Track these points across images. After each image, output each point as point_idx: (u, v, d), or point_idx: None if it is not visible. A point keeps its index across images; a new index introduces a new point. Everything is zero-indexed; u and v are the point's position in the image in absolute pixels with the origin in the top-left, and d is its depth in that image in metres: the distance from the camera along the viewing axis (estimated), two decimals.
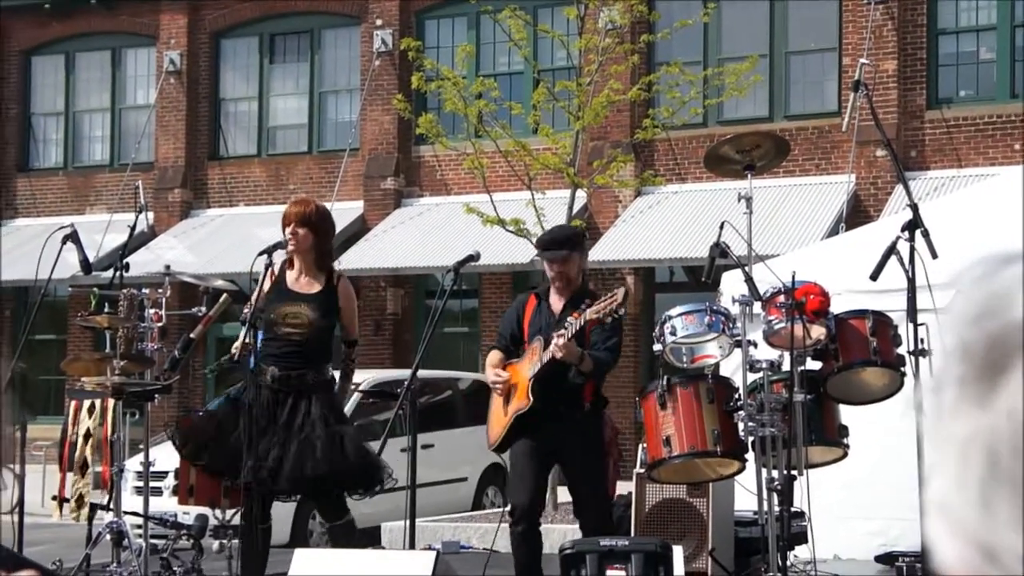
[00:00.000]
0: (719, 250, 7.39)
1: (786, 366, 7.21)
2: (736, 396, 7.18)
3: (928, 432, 1.11)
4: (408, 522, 7.19)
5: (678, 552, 7.20)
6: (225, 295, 8.67)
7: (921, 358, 7.09)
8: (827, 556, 8.52)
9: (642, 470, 7.67)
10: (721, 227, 7.44)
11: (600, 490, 7.59)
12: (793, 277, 7.10)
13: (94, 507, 8.60)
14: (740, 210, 7.94)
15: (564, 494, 9.26)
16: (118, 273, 8.43)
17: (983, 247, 1.19)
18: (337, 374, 7.81)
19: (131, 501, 9.23)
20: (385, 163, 22.42)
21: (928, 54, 19.56)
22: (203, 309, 8.48)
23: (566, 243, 7.48)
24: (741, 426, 7.16)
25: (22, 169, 25.61)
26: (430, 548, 9.81)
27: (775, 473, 7.06)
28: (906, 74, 19.54)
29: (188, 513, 9.18)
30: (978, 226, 8.72)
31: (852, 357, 7.34)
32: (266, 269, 7.54)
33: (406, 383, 7.22)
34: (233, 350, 7.50)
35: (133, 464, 9.82)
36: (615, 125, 19.96)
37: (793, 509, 7.23)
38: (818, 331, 7.18)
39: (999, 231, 7.97)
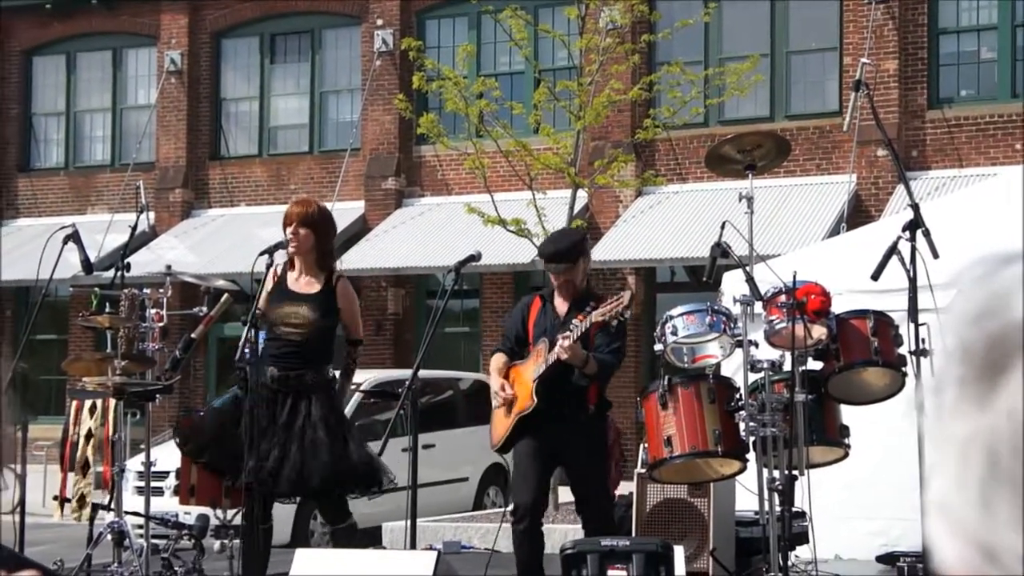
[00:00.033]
0: (720, 250, 7.39)
1: (787, 366, 7.20)
2: (737, 396, 7.18)
3: (929, 432, 1.11)
4: (409, 522, 7.19)
5: (679, 552, 7.20)
6: (226, 295, 8.67)
7: (922, 358, 7.08)
8: (828, 556, 8.52)
9: (643, 470, 7.67)
10: (722, 227, 7.44)
11: (603, 492, 7.60)
12: (794, 277, 7.10)
13: (95, 507, 8.60)
14: (741, 210, 7.94)
15: (565, 494, 9.26)
16: (119, 273, 8.43)
17: (984, 247, 1.19)
18: (339, 373, 7.81)
19: (132, 501, 9.24)
20: (386, 163, 22.42)
21: (929, 54, 19.56)
22: (204, 309, 8.49)
23: (570, 254, 7.44)
24: (742, 426, 7.16)
25: (23, 169, 25.62)
26: (431, 548, 9.81)
27: (776, 473, 7.05)
28: (907, 74, 19.54)
29: (189, 513, 9.18)
30: (979, 226, 8.72)
31: (853, 357, 7.34)
32: (268, 269, 7.54)
33: (407, 383, 7.21)
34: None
35: (134, 464, 9.83)
36: (616, 125, 19.96)
37: (794, 509, 7.22)
38: (819, 331, 7.18)
39: (1000, 231, 7.97)
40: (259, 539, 7.42)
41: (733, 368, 7.77)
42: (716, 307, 7.35)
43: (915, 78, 19.54)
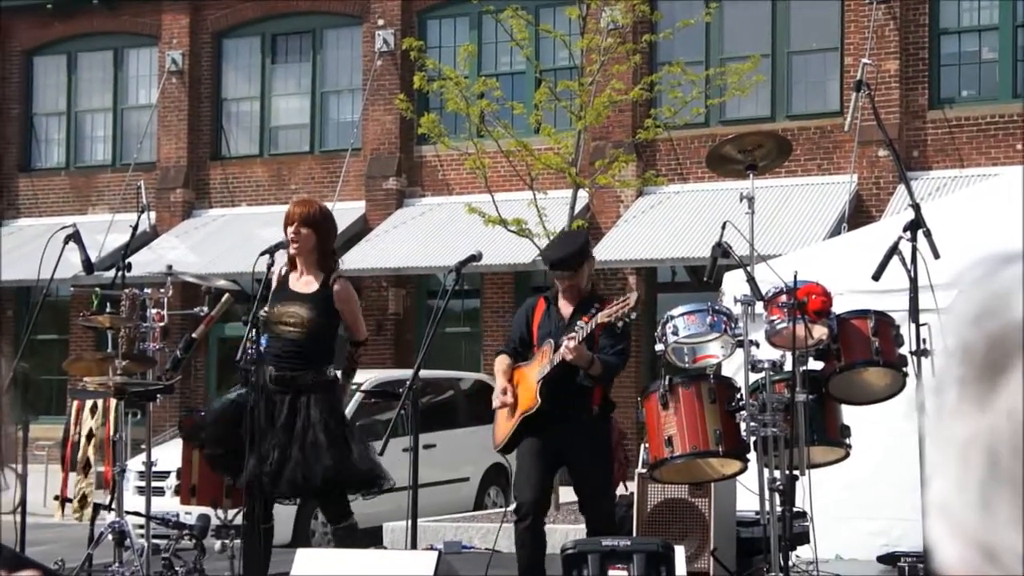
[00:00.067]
0: (721, 250, 7.39)
1: (788, 366, 7.20)
2: (738, 396, 7.18)
3: (929, 433, 1.11)
4: (410, 522, 7.20)
5: (680, 552, 7.20)
6: (227, 295, 8.67)
7: (923, 358, 7.09)
8: (829, 556, 8.52)
9: (644, 470, 7.67)
10: (723, 227, 7.44)
11: (606, 493, 7.60)
12: (795, 277, 7.10)
13: (96, 507, 8.60)
14: (742, 210, 7.94)
15: (566, 494, 9.26)
16: (120, 273, 8.44)
17: (985, 247, 1.19)
18: (340, 373, 7.81)
19: (133, 501, 9.25)
20: (387, 163, 22.42)
21: (930, 54, 19.55)
22: (205, 309, 8.49)
23: (573, 259, 7.43)
24: (743, 426, 7.16)
25: (24, 169, 25.62)
26: (432, 548, 9.81)
27: (777, 473, 7.06)
28: (908, 74, 19.54)
29: (190, 513, 9.19)
30: (980, 226, 8.72)
31: (854, 357, 7.34)
32: (269, 269, 7.53)
33: (408, 383, 7.21)
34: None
35: (135, 464, 9.84)
36: (617, 125, 19.96)
37: (795, 509, 7.22)
38: (820, 331, 7.18)
39: (1000, 231, 7.96)
40: (260, 539, 7.42)
41: (734, 368, 7.77)
42: (717, 307, 7.35)
43: (916, 78, 19.53)
